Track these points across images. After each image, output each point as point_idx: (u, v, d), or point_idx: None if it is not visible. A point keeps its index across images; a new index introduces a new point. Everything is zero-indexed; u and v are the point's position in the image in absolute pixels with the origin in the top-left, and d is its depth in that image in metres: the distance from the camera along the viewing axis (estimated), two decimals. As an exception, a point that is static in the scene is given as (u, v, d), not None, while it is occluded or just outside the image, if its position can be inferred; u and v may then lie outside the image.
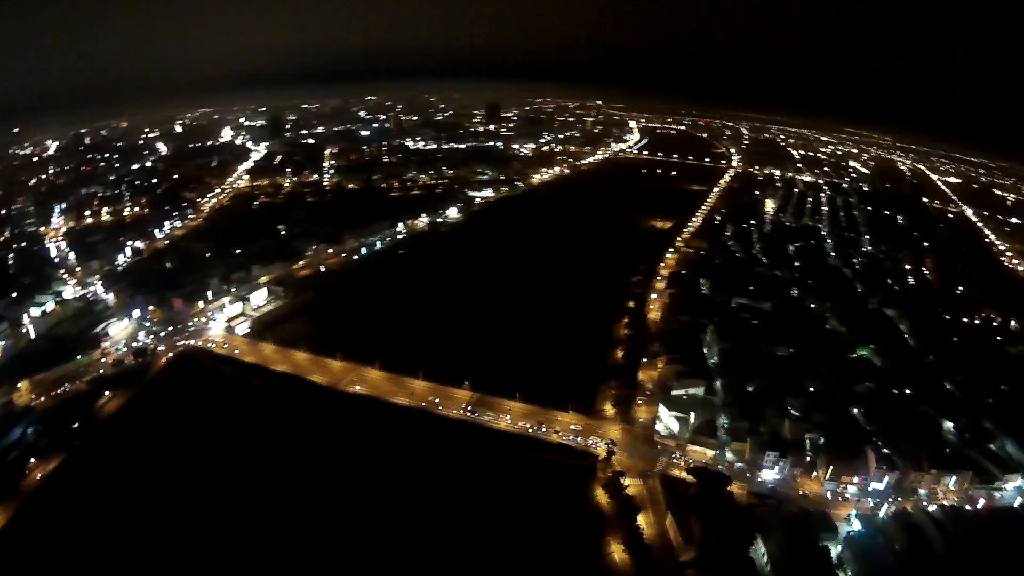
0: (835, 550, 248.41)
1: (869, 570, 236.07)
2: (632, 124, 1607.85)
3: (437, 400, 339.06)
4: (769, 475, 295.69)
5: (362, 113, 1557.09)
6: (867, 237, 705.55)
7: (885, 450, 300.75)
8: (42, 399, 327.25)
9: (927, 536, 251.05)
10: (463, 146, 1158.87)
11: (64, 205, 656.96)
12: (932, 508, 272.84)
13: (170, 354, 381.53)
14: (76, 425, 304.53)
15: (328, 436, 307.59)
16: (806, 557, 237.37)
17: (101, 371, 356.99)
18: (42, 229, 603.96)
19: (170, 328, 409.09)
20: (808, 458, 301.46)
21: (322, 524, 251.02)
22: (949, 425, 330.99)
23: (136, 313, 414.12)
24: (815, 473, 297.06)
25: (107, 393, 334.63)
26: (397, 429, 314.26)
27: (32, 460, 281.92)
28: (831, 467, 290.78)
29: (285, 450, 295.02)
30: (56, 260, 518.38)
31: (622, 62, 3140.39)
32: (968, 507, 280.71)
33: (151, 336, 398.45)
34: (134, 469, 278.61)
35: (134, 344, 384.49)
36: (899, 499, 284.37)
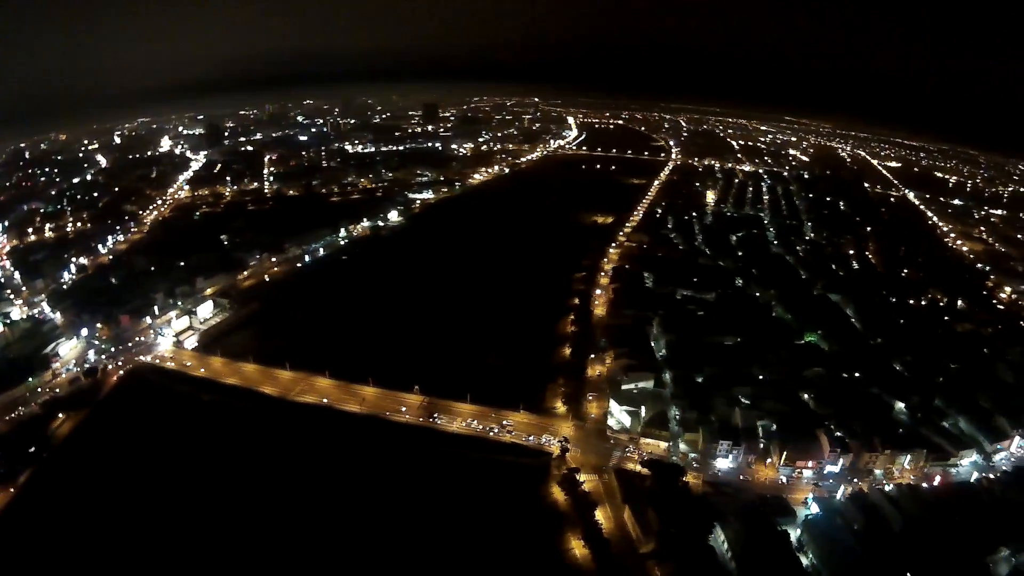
0: (794, 534, 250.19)
1: (829, 551, 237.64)
2: (570, 120, 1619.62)
3: (388, 406, 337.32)
4: (723, 464, 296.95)
5: (300, 118, 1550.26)
6: (809, 224, 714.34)
7: (838, 433, 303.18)
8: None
9: (884, 515, 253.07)
10: (401, 148, 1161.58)
11: (6, 223, 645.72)
12: (888, 487, 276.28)
13: (121, 372, 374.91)
14: (32, 449, 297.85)
15: (282, 447, 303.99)
16: (766, 542, 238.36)
17: (55, 392, 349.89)
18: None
19: (119, 346, 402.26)
20: (761, 445, 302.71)
21: (282, 533, 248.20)
22: (900, 405, 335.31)
23: (84, 332, 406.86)
24: (769, 459, 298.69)
25: (61, 415, 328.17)
26: (350, 437, 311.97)
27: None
28: (785, 453, 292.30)
29: (242, 463, 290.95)
30: (1, 280, 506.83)
31: (558, 59, 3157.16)
32: (924, 485, 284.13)
33: (101, 355, 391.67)
34: (94, 492, 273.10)
35: (84, 364, 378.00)
36: (855, 480, 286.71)
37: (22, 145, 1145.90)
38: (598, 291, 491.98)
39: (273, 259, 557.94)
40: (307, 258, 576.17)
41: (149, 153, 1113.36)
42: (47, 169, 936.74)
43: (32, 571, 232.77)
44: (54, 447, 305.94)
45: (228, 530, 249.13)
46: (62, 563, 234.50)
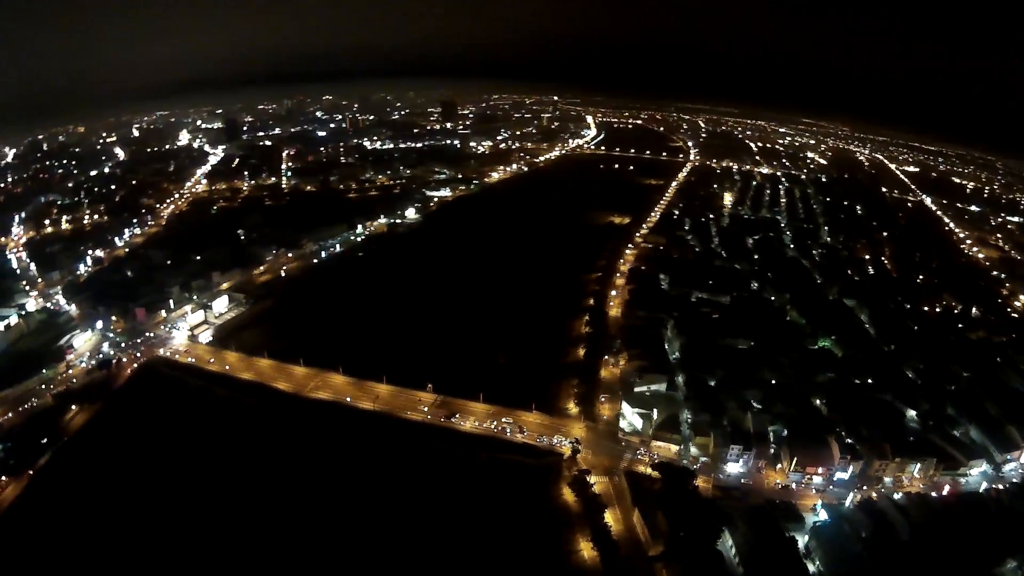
0: (802, 540, 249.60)
1: (836, 559, 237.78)
2: (588, 119, 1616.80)
3: (401, 404, 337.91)
4: (733, 468, 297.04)
5: (318, 113, 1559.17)
6: (826, 228, 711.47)
7: (848, 440, 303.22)
8: (9, 415, 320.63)
9: (892, 523, 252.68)
10: (419, 145, 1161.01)
11: (23, 214, 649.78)
12: (897, 496, 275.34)
13: (135, 365, 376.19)
14: (44, 441, 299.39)
15: (294, 443, 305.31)
16: (773, 548, 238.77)
17: (68, 384, 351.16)
18: (2, 239, 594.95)
19: (134, 339, 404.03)
20: (772, 450, 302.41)
21: (289, 530, 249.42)
22: (912, 413, 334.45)
23: (99, 324, 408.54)
24: (779, 465, 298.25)
25: (74, 407, 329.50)
26: (362, 434, 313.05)
27: (3, 478, 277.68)
28: (795, 458, 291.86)
29: (253, 459, 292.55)
30: (17, 271, 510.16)
31: (578, 58, 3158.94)
32: (933, 494, 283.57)
33: (115, 347, 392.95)
34: (105, 485, 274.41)
35: (98, 356, 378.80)
36: (864, 488, 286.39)
37: (40, 137, 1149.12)
38: (613, 292, 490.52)
39: (289, 255, 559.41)
40: (323, 254, 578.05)
41: (167, 147, 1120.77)
42: (64, 161, 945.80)
43: (43, 561, 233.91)
44: (67, 439, 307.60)
45: (237, 524, 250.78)
46: (73, 553, 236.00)
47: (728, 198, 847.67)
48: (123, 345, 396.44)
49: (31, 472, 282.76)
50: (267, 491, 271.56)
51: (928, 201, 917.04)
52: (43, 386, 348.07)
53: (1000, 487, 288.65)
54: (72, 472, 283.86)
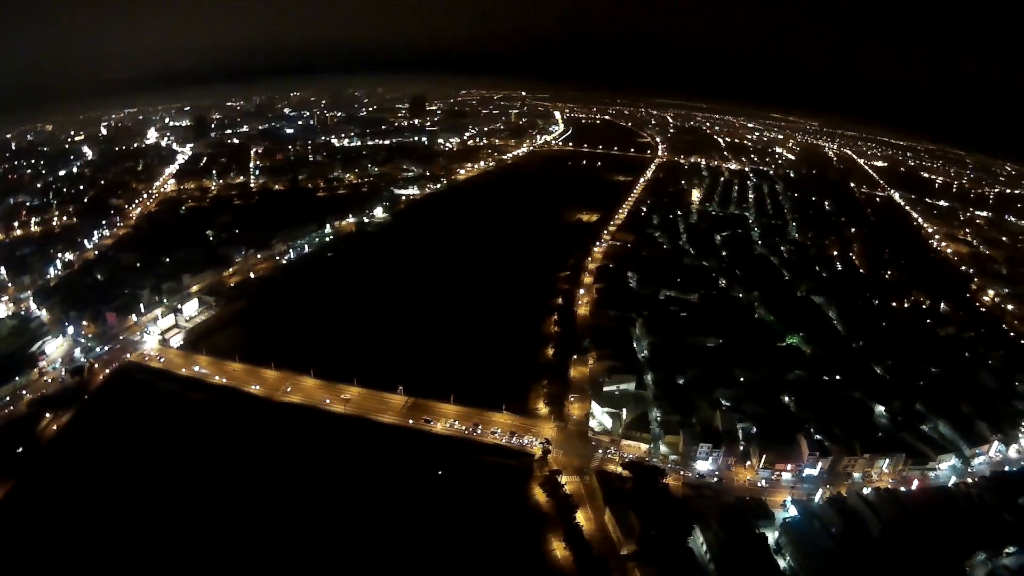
0: (772, 536, 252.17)
1: (806, 555, 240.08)
2: (557, 115, 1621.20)
3: (372, 406, 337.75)
4: (703, 466, 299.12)
5: (287, 110, 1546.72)
6: (794, 224, 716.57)
7: (818, 436, 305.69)
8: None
9: (862, 519, 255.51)
10: (388, 142, 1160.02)
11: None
12: (867, 491, 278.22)
13: (107, 370, 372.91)
14: (20, 449, 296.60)
15: (268, 447, 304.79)
16: (744, 545, 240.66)
17: (41, 391, 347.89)
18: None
19: (105, 344, 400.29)
20: (742, 447, 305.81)
21: (264, 534, 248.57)
22: (881, 409, 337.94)
23: (71, 329, 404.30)
24: (749, 462, 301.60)
25: (48, 414, 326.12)
26: (334, 437, 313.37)
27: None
28: (765, 455, 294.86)
29: (227, 464, 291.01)
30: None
31: (545, 53, 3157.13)
32: (903, 488, 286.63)
33: (87, 353, 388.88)
34: (83, 492, 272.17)
35: (71, 362, 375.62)
36: (833, 484, 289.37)
37: (8, 136, 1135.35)
38: (582, 291, 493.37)
39: (259, 255, 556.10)
40: (292, 254, 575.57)
41: (135, 145, 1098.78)
42: (33, 161, 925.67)
43: (23, 570, 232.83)
44: (41, 447, 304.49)
45: (212, 530, 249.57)
46: (53, 561, 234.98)
47: (696, 194, 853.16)
48: (95, 350, 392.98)
49: (7, 482, 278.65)
50: (242, 495, 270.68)
51: (897, 196, 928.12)
52: (17, 394, 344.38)
53: (969, 480, 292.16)
54: (49, 480, 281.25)
